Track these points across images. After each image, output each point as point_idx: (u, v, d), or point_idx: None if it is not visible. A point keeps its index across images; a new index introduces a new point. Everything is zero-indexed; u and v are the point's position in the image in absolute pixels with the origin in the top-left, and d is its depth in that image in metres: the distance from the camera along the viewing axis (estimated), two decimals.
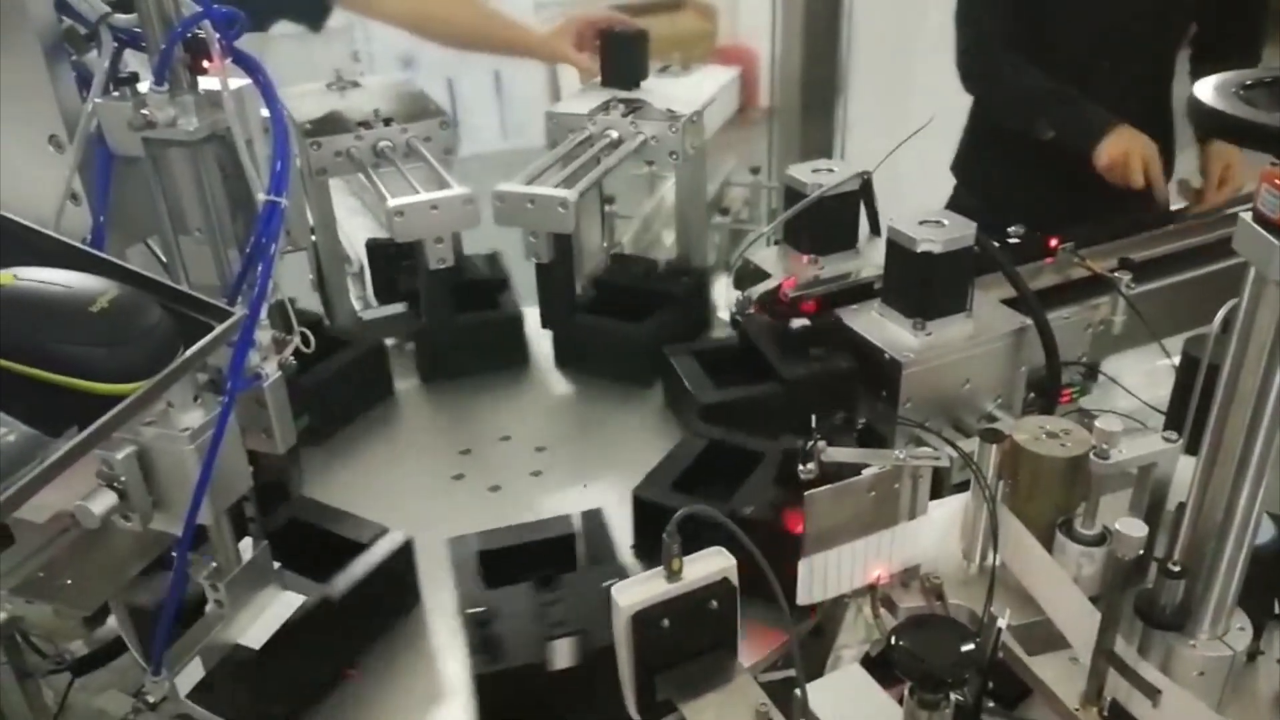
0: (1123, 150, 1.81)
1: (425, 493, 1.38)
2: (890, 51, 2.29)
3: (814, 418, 1.16)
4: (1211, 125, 0.83)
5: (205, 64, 0.95)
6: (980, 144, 2.12)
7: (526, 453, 1.47)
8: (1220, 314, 1.06)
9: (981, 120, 2.11)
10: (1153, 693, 0.87)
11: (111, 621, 1.10)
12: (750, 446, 1.26)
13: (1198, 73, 1.99)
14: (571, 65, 1.93)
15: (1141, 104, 1.98)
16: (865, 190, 1.53)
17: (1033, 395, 1.39)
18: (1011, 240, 1.50)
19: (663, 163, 1.62)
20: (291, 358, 1.02)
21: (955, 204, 2.14)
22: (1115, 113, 1.89)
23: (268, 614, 0.98)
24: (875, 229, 1.57)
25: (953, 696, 0.90)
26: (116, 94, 0.97)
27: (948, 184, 2.22)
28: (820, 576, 1.05)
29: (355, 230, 2.01)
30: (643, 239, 2.13)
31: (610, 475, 1.41)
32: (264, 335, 0.97)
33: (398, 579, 1.15)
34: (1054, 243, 1.54)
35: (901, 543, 1.07)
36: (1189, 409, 1.14)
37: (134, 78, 0.98)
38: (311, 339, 1.03)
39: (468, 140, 4.06)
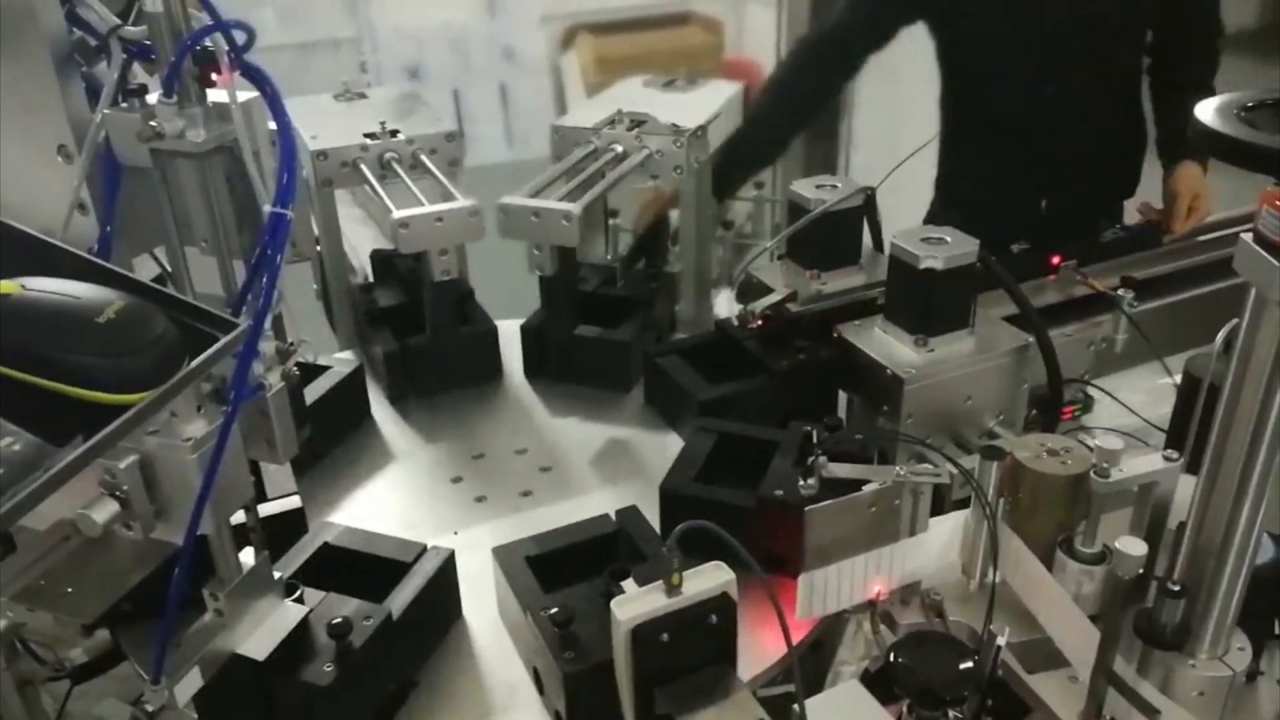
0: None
1: (435, 512, 1.38)
2: (894, 69, 2.30)
3: (813, 431, 1.16)
4: (1213, 147, 0.83)
5: (214, 76, 0.96)
6: (951, 159, 2.13)
7: (523, 463, 1.47)
8: (1222, 333, 1.06)
9: (952, 136, 2.12)
10: (1152, 712, 0.87)
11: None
12: (760, 435, 1.28)
13: (1155, 80, 2.00)
14: None
15: (1106, 116, 1.99)
16: (868, 206, 1.54)
17: (1034, 412, 1.39)
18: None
19: (667, 177, 1.62)
20: (294, 369, 1.02)
21: (932, 217, 2.14)
22: (1076, 125, 1.91)
23: (269, 624, 0.98)
24: (878, 245, 1.57)
25: (951, 714, 0.90)
26: (125, 105, 0.98)
27: None
28: (820, 592, 1.05)
29: (360, 241, 2.01)
30: None
31: (614, 476, 1.42)
32: (268, 346, 0.98)
33: (444, 593, 1.15)
34: (1056, 260, 1.55)
35: (902, 559, 1.07)
36: (1190, 428, 1.14)
37: (143, 89, 0.98)
38: (315, 352, 1.03)
39: (473, 152, 4.08)
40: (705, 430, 1.31)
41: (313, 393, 1.45)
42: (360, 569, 1.12)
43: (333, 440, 1.49)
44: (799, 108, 1.99)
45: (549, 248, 1.44)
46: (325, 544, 1.15)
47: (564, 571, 1.11)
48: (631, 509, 1.20)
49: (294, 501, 1.22)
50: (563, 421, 1.57)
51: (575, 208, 1.34)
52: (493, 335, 1.65)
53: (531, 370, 1.67)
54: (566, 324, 1.63)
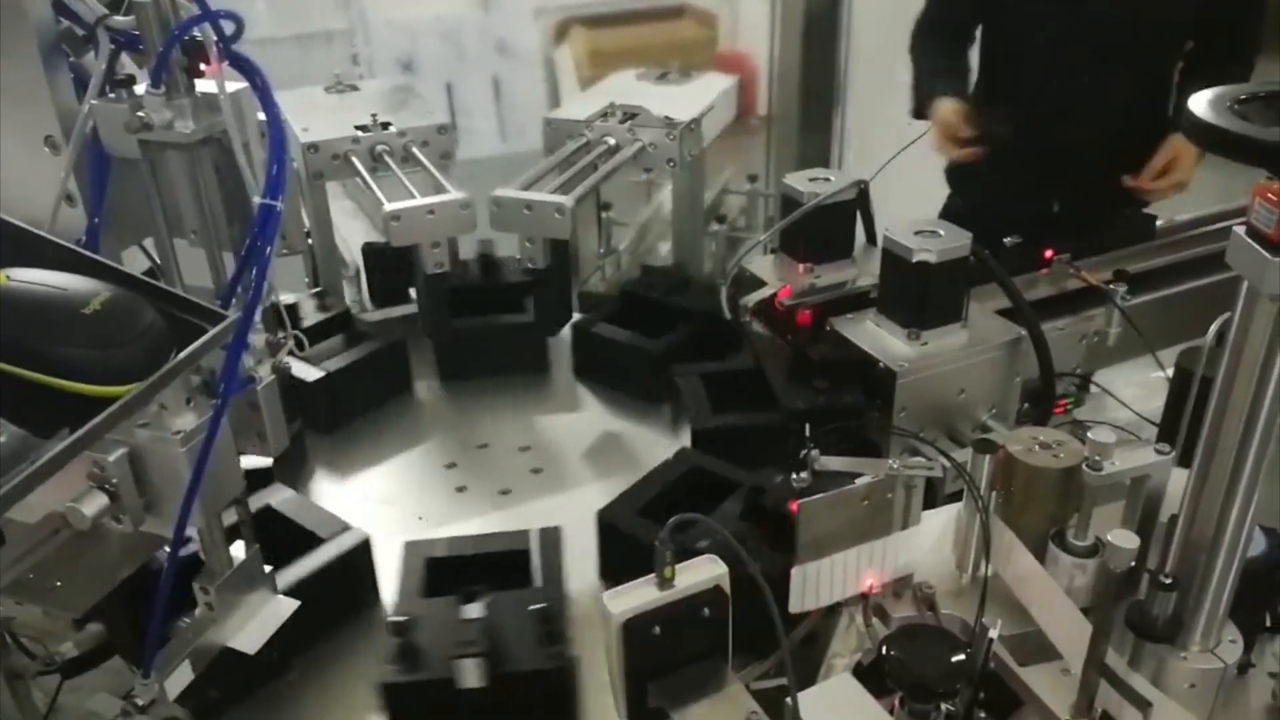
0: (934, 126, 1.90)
1: (423, 493, 1.38)
2: (889, 61, 2.30)
3: (807, 426, 1.16)
4: (1206, 139, 0.83)
5: (203, 66, 0.95)
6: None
7: (529, 460, 1.47)
8: (1214, 327, 1.06)
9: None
10: (1143, 705, 0.87)
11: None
12: (728, 475, 1.25)
13: (1189, 84, 2.00)
14: None
15: (1137, 112, 1.99)
16: (862, 199, 1.53)
17: (1026, 406, 1.39)
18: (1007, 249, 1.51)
19: (660, 170, 1.62)
20: (287, 359, 1.01)
21: (948, 212, 2.14)
22: (1106, 118, 1.91)
23: (260, 618, 0.97)
24: (871, 238, 1.57)
25: (943, 707, 0.90)
26: (113, 96, 0.97)
27: (942, 194, 2.22)
28: (812, 585, 1.04)
29: (352, 233, 2.01)
30: (639, 246, 2.13)
31: (606, 483, 1.41)
32: (258, 339, 0.97)
33: (352, 577, 1.14)
34: (1049, 254, 1.55)
35: (894, 552, 1.07)
36: (1182, 421, 1.14)
37: (131, 80, 0.98)
38: (305, 342, 1.04)
39: (466, 145, 4.06)
40: (680, 460, 1.29)
41: (349, 355, 1.52)
42: (289, 537, 1.13)
43: (359, 409, 1.53)
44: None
45: (541, 240, 1.43)
46: (267, 506, 1.16)
47: (467, 580, 1.09)
48: (554, 530, 1.19)
49: (264, 460, 1.21)
50: (584, 423, 1.57)
51: (568, 200, 1.33)
52: (540, 328, 1.67)
53: (580, 368, 1.68)
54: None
